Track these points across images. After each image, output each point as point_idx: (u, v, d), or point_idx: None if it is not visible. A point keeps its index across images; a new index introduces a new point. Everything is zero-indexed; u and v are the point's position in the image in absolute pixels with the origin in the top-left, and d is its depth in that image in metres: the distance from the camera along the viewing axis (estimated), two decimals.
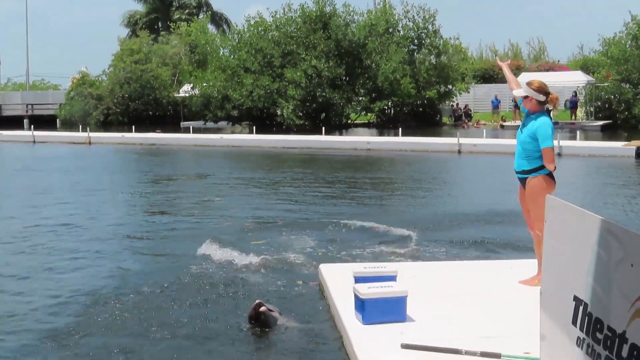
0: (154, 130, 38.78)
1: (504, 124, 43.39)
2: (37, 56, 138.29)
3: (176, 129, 43.12)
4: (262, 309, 5.71)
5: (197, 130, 38.82)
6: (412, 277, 6.55)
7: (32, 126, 42.32)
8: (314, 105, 42.56)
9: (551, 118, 6.55)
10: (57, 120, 56.93)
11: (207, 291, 7.10)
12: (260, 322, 5.75)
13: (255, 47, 44.36)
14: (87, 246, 9.52)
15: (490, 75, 57.76)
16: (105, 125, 50.93)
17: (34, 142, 36.50)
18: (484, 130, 33.29)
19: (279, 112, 42.52)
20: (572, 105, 43.58)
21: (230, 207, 13.12)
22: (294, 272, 7.84)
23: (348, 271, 6.37)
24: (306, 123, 41.40)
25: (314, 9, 44.11)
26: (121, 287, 7.35)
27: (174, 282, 7.44)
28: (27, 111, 61.46)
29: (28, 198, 14.85)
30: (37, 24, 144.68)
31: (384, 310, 5.42)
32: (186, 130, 40.06)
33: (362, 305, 5.44)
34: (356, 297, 5.55)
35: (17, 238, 10.17)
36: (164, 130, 39.23)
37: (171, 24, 62.52)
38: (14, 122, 52.42)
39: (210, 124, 47.53)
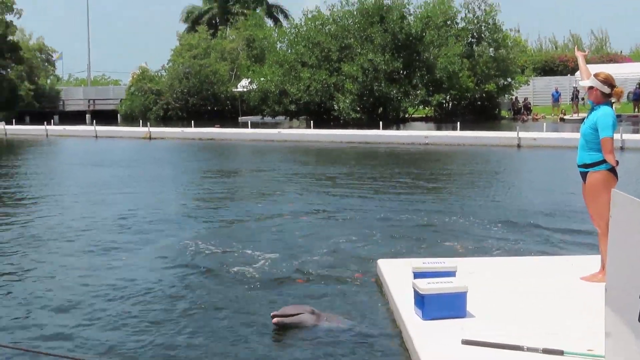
0: (212, 125, 39.27)
1: (565, 117, 42.58)
2: (98, 52, 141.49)
3: (234, 123, 43.57)
4: (275, 320, 5.72)
5: (255, 125, 39.19)
6: (471, 273, 6.51)
7: (94, 121, 43.34)
8: (371, 99, 42.47)
9: (614, 110, 6.43)
10: (118, 115, 58.15)
11: (264, 285, 7.19)
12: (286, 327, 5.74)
13: (312, 41, 44.47)
14: (150, 237, 9.73)
15: (550, 68, 56.75)
16: (165, 120, 51.77)
17: (96, 137, 37.37)
18: (544, 124, 32.73)
19: (336, 107, 42.59)
20: (635, 97, 42.54)
21: (289, 202, 13.22)
22: (353, 267, 7.86)
23: (407, 266, 6.38)
24: (363, 117, 41.35)
25: (371, 2, 43.97)
26: (178, 281, 7.50)
27: (230, 277, 7.54)
28: (89, 106, 62.99)
29: (99, 191, 15.21)
30: (98, 20, 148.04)
31: (443, 306, 5.42)
32: (244, 125, 40.46)
33: (421, 301, 5.45)
34: (416, 292, 5.56)
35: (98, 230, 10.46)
36: (223, 125, 39.67)
37: (229, 19, 63.15)
38: (76, 117, 53.78)
39: (268, 119, 47.87)
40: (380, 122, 34.52)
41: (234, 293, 6.92)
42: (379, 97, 42.32)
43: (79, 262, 8.49)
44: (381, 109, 43.50)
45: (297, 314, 5.78)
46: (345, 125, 39.06)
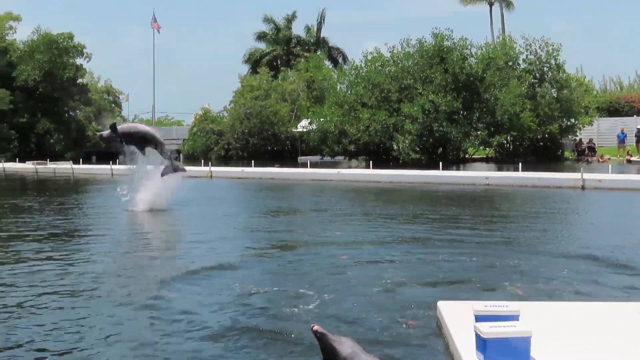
0: (272, 165, 39.61)
1: (631, 158, 41.54)
2: (163, 93, 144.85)
3: (294, 163, 43.87)
4: (315, 327, 5.46)
5: (314, 165, 39.37)
6: (535, 317, 6.30)
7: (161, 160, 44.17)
8: (431, 139, 42.29)
9: None
10: (181, 154, 59.21)
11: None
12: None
13: (372, 82, 44.72)
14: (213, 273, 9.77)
15: (615, 109, 55.70)
16: (226, 159, 52.50)
17: (161, 175, 37.94)
18: (609, 166, 31.97)
19: (395, 147, 42.51)
20: None
21: (347, 242, 13.13)
22: (411, 309, 7.71)
23: (468, 309, 6.21)
24: (423, 158, 41.16)
25: (432, 43, 44.04)
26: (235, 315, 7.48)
27: (284, 317, 7.48)
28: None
29: (159, 228, 15.41)
30: (163, 62, 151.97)
31: (507, 351, 5.24)
32: (304, 164, 40.68)
33: (483, 345, 5.28)
34: (477, 336, 5.40)
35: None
36: (282, 164, 39.98)
37: (290, 61, 64.12)
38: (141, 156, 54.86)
39: (327, 159, 48.07)
40: (440, 163, 34.27)
41: (288, 332, 6.85)
42: (439, 137, 42.11)
43: (137, 298, 8.54)
44: (441, 149, 43.27)
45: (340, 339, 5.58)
46: (405, 165, 38.90)
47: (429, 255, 11.50)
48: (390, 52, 46.50)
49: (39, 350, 6.49)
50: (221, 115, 59.76)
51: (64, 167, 44.17)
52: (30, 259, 11.41)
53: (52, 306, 8.16)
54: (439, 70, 42.51)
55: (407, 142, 41.63)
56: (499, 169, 36.78)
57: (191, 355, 6.24)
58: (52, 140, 56.35)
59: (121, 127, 19.59)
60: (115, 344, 6.64)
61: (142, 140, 19.03)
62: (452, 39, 44.27)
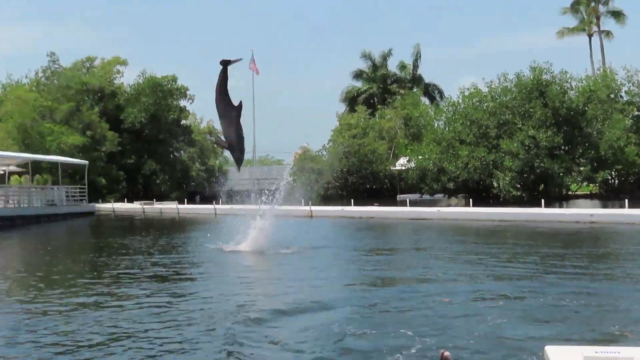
0: (371, 203, 39.75)
1: None
2: (263, 132, 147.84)
3: (393, 201, 43.86)
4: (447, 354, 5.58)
5: (413, 203, 39.26)
6: None
7: (259, 200, 45.10)
8: (532, 176, 41.48)
9: None
10: (281, 193, 60.12)
11: None
12: None
13: (470, 118, 44.39)
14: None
15: None
16: (325, 198, 52.97)
17: (261, 214, 38.73)
18: None
19: (495, 184, 41.92)
20: None
21: (448, 281, 13.09)
22: (516, 353, 7.66)
23: (578, 354, 6.16)
24: (524, 195, 40.40)
25: (530, 78, 43.41)
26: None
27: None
28: (254, 185, 65.74)
29: (256, 266, 15.78)
30: (262, 101, 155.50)
31: None
32: (403, 203, 40.63)
33: None
34: None
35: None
36: (381, 203, 40.06)
37: (386, 98, 64.46)
38: (242, 196, 56.12)
39: (426, 197, 47.82)
40: (542, 200, 33.54)
41: None
42: (540, 174, 41.26)
43: (237, 337, 8.80)
44: (543, 186, 42.35)
45: None
46: (505, 203, 38.30)
47: (533, 295, 11.33)
48: (487, 87, 46.15)
49: None
50: (320, 154, 60.55)
51: (170, 207, 45.73)
52: (138, 297, 11.96)
53: (158, 342, 8.55)
54: (538, 105, 41.80)
55: (507, 179, 40.99)
56: (604, 206, 35.68)
57: None
58: (158, 181, 58.38)
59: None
60: None
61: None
62: (551, 72, 43.54)
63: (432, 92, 72.28)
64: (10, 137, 48.55)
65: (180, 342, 8.59)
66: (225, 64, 19.47)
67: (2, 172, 43.23)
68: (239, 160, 20.52)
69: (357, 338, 8.56)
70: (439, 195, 47.59)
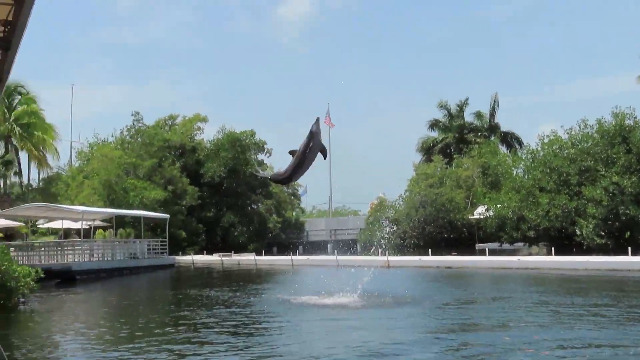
0: (449, 253, 39.19)
1: None
2: (339, 183, 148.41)
3: (471, 251, 43.13)
4: None
5: (492, 252, 38.49)
6: None
7: (336, 250, 45.12)
8: (617, 223, 40.05)
9: None
10: (358, 244, 60.04)
11: None
12: None
13: (550, 166, 43.48)
14: None
15: None
16: (402, 248, 52.55)
17: (338, 265, 38.74)
18: None
19: (578, 232, 40.71)
20: None
21: (532, 334, 12.68)
22: None
23: None
24: (609, 242, 39.05)
25: (613, 123, 42.34)
26: None
27: None
28: (330, 236, 65.87)
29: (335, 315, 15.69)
30: (338, 153, 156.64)
31: None
32: (481, 252, 39.90)
33: None
34: None
35: None
36: (459, 252, 39.46)
37: (462, 148, 63.98)
38: (319, 247, 56.37)
39: (506, 246, 46.85)
40: (629, 248, 32.33)
41: None
42: (626, 221, 39.81)
43: None
44: (629, 233, 40.82)
45: None
46: (589, 251, 37.10)
47: (622, 348, 10.85)
48: (567, 134, 45.22)
49: None
50: (397, 203, 60.32)
51: (248, 259, 46.18)
52: (219, 349, 12.02)
53: None
54: (621, 151, 40.63)
55: (590, 226, 39.76)
56: None
57: None
58: (236, 233, 59.20)
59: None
60: None
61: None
62: (634, 117, 42.35)
63: (510, 140, 71.38)
64: (96, 193, 50.32)
65: None
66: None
67: (88, 227, 44.64)
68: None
69: None
70: (519, 244, 46.54)
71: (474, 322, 15.01)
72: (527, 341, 11.62)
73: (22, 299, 21.61)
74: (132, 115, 62.19)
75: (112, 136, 61.83)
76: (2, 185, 58.70)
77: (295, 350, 11.68)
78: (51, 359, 12.73)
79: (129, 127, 61.50)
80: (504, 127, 71.95)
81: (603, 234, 39.76)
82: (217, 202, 60.61)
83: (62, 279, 33.01)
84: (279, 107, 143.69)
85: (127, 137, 61.04)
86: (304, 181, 74.86)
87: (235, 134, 61.77)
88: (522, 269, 30.22)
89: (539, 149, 46.40)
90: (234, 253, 50.36)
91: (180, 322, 16.54)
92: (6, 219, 42.54)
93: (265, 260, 45.82)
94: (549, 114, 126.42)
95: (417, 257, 38.01)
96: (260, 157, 63.92)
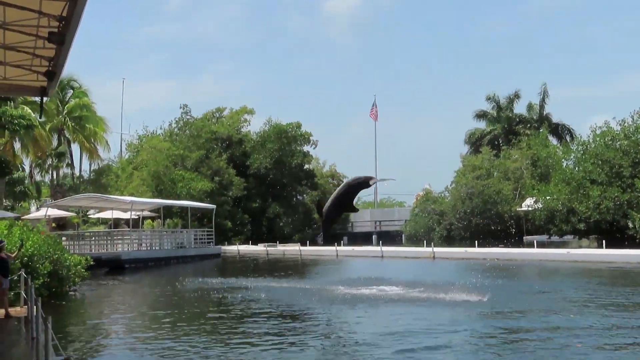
0: (496, 245, 38.71)
1: None
2: (385, 175, 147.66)
3: (519, 243, 42.56)
4: None
5: (541, 245, 37.89)
6: None
7: (380, 242, 44.95)
8: None
9: None
10: (403, 235, 59.73)
11: None
12: None
13: (601, 158, 42.56)
14: None
15: None
16: (448, 240, 52.11)
17: (382, 256, 38.62)
18: None
19: (631, 225, 39.79)
20: None
21: (581, 328, 12.42)
22: None
23: None
24: None
25: None
26: None
27: None
28: (375, 227, 65.67)
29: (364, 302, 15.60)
30: (384, 144, 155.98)
31: None
32: (529, 244, 39.33)
33: None
34: None
35: None
36: (507, 244, 38.95)
37: (510, 139, 63.07)
38: (364, 238, 56.28)
39: (554, 238, 46.11)
40: None
41: None
42: None
43: None
44: None
45: None
46: None
47: None
48: (620, 125, 44.16)
49: None
50: (443, 195, 59.77)
51: (293, 249, 46.30)
52: (254, 335, 12.07)
53: None
54: None
55: None
56: None
57: None
58: (281, 224, 59.37)
59: None
60: None
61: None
62: None
63: (561, 132, 70.12)
64: (145, 184, 51.02)
65: None
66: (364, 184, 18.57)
67: (137, 217, 45.27)
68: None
69: None
70: (569, 237, 45.74)
71: (524, 314, 14.76)
72: (578, 335, 11.39)
73: (73, 287, 22.05)
74: (180, 108, 62.93)
75: (161, 129, 62.66)
76: (55, 177, 59.78)
77: (335, 336, 11.65)
78: (101, 345, 12.94)
79: (177, 119, 62.21)
80: (555, 119, 70.76)
81: None
82: (262, 193, 60.87)
83: (111, 267, 33.58)
84: (325, 100, 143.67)
85: (176, 130, 61.71)
86: (349, 172, 74.55)
87: (281, 125, 61.93)
88: (571, 262, 29.67)
89: (591, 140, 45.45)
90: (279, 243, 50.53)
91: (225, 309, 16.64)
92: (59, 209, 43.43)
93: (310, 250, 45.86)
94: (601, 106, 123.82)
95: (462, 249, 37.63)
96: (306, 148, 63.98)
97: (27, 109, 41.42)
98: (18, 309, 14.56)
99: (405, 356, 10.24)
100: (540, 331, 12.18)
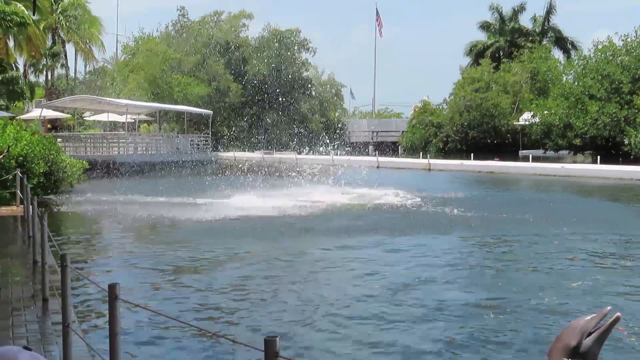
0: (492, 158, 38.81)
1: None
2: (383, 85, 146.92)
3: (514, 157, 42.67)
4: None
5: (536, 159, 38.01)
6: None
7: (377, 152, 45.05)
8: None
9: None
10: (399, 146, 59.78)
11: None
12: None
13: (601, 73, 42.14)
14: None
15: None
16: (444, 152, 52.21)
17: (378, 167, 38.74)
18: None
19: (626, 141, 39.83)
20: None
21: (575, 243, 12.54)
22: None
23: None
24: None
25: None
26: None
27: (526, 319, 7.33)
28: (372, 138, 65.65)
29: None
30: (384, 55, 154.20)
31: None
32: (525, 158, 39.44)
33: None
34: None
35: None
36: (502, 158, 39.05)
37: (512, 52, 62.23)
38: (360, 148, 56.31)
39: (550, 153, 46.22)
40: None
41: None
42: None
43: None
44: None
45: None
46: (637, 161, 36.32)
47: None
48: (622, 41, 43.49)
49: None
50: (440, 107, 59.48)
51: (289, 157, 46.32)
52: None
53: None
54: None
55: (639, 136, 38.82)
56: None
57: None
58: (278, 131, 59.28)
59: None
60: None
61: None
62: None
63: (564, 44, 68.92)
64: (141, 88, 50.49)
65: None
66: None
67: (132, 121, 45.05)
68: None
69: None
70: (564, 152, 45.84)
71: (519, 225, 14.89)
72: (573, 250, 11.49)
73: (69, 189, 22.08)
74: (177, 10, 61.60)
75: (157, 31, 61.46)
76: (49, 77, 59.16)
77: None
78: (96, 248, 13.09)
79: (174, 22, 61.02)
80: (561, 32, 69.35)
81: None
82: (260, 101, 60.47)
83: (106, 170, 33.64)
84: (326, 7, 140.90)
85: (172, 33, 60.63)
86: (347, 82, 73.91)
87: (280, 31, 60.91)
88: (565, 177, 29.82)
89: (592, 55, 44.88)
90: (276, 151, 50.57)
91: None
92: (54, 110, 43.08)
93: (306, 158, 45.87)
94: (606, 20, 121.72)
95: (458, 162, 37.73)
96: (305, 55, 63.15)
97: (20, 6, 40.43)
98: (14, 207, 14.64)
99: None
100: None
